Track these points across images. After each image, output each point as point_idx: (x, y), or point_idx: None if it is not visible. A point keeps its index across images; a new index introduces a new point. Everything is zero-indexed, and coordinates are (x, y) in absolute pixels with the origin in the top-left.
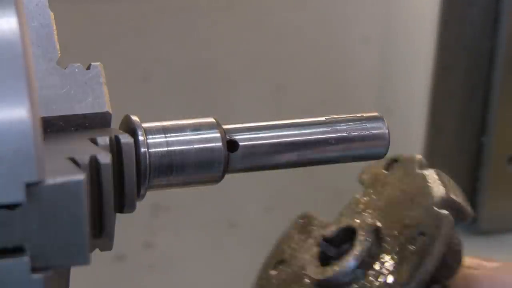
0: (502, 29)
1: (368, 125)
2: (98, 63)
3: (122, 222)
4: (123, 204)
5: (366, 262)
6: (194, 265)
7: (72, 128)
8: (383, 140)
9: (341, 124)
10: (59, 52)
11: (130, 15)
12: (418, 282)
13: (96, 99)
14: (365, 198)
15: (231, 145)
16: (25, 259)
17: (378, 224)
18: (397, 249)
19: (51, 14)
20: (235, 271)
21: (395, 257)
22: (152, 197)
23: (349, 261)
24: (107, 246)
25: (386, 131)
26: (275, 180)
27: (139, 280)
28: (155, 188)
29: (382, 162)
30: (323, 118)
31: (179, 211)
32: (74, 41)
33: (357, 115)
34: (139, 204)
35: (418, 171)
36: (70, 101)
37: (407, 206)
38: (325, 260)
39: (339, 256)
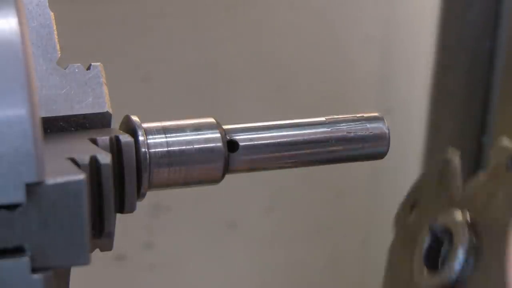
0: (502, 29)
1: (368, 125)
2: (98, 63)
3: (122, 222)
4: (123, 204)
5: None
6: (194, 265)
7: (72, 128)
8: (384, 140)
9: (341, 124)
10: (59, 52)
11: (130, 15)
12: None
13: (96, 99)
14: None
15: (231, 145)
16: (25, 259)
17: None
18: None
19: (51, 14)
20: (235, 271)
21: None
22: (152, 197)
23: (454, 266)
24: (107, 246)
25: (387, 131)
26: (275, 180)
27: (139, 280)
28: (155, 188)
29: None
30: (323, 118)
31: (179, 211)
32: (74, 41)
33: (357, 115)
34: (139, 204)
35: None
36: (70, 101)
37: None
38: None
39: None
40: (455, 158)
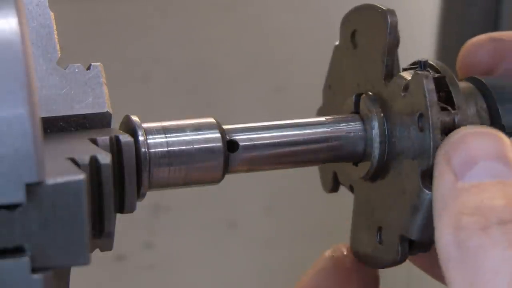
0: (502, 29)
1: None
2: (98, 63)
3: (122, 222)
4: (123, 204)
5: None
6: (194, 265)
7: (72, 128)
8: None
9: (341, 124)
10: (59, 52)
11: (130, 15)
12: None
13: (96, 99)
14: None
15: (231, 145)
16: (25, 259)
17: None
18: None
19: (51, 14)
20: (235, 271)
21: None
22: (152, 197)
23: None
24: (107, 246)
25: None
26: (275, 180)
27: (139, 280)
28: (155, 188)
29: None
30: (323, 118)
31: (179, 211)
32: (74, 41)
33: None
34: (139, 204)
35: None
36: (70, 101)
37: None
38: None
39: None
40: (394, 17)
